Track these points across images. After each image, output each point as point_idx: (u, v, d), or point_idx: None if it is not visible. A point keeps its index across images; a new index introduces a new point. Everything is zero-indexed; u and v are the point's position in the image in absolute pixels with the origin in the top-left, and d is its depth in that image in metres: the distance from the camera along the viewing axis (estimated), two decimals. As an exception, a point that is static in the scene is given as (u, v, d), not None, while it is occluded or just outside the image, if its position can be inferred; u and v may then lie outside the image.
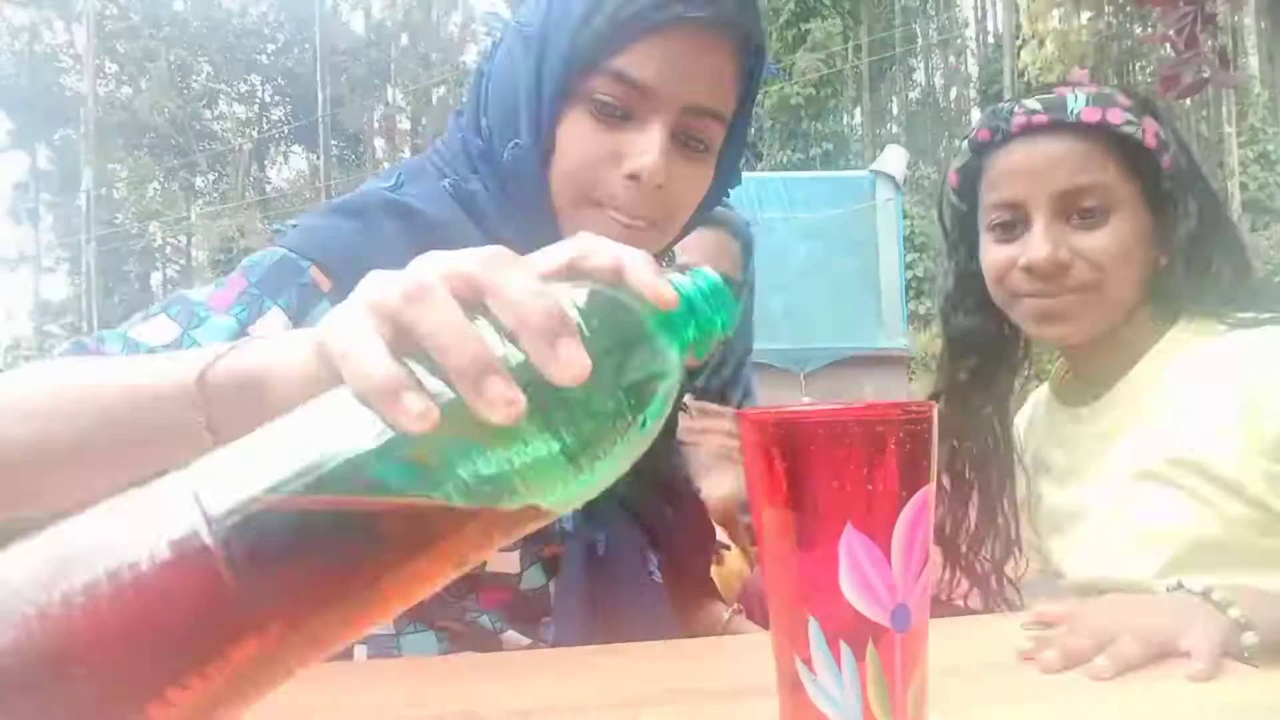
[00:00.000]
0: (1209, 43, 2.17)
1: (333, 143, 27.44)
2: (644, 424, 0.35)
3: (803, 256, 8.59)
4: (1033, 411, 1.11)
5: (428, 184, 0.78)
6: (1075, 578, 0.98)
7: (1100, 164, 0.90)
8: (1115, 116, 0.90)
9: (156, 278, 28.93)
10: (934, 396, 1.05)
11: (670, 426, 0.90)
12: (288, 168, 31.78)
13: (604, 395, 0.34)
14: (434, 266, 0.35)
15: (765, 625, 0.39)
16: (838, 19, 18.10)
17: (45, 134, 26.90)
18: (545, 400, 0.32)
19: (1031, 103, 0.92)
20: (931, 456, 0.37)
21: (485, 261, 0.35)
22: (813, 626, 0.36)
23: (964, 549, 1.02)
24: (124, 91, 26.86)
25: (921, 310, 13.95)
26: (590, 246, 0.39)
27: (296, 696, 0.58)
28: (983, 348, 1.03)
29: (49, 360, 0.63)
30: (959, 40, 27.89)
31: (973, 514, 1.02)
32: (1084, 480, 0.97)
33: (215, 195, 28.63)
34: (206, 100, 28.84)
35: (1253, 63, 15.23)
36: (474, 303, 0.35)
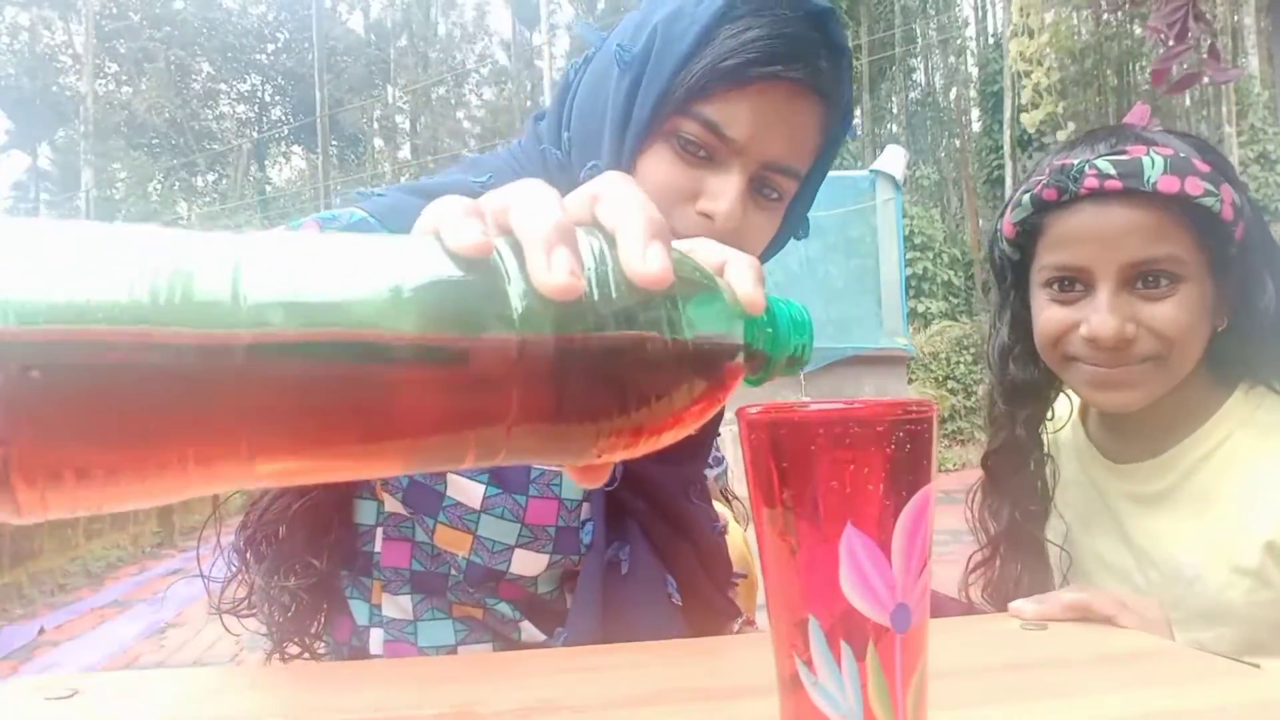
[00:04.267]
0: (1202, 38, 2.17)
1: (332, 143, 27.43)
2: (694, 391, 0.35)
3: (803, 256, 8.59)
4: (1063, 436, 1.05)
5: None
6: None
7: (1174, 235, 0.85)
8: (1194, 187, 0.83)
9: (156, 278, 28.80)
10: (990, 454, 1.01)
11: (697, 451, 0.90)
12: (288, 168, 31.78)
13: (667, 346, 0.33)
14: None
15: None
16: (832, 16, 18.06)
17: (45, 134, 26.87)
18: (611, 336, 0.32)
19: (1104, 165, 0.85)
20: (931, 456, 0.37)
21: (608, 176, 0.36)
22: (813, 626, 0.36)
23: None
24: (124, 91, 26.84)
25: (921, 310, 13.96)
26: (702, 243, 0.40)
27: (298, 695, 0.58)
28: (1036, 397, 0.99)
29: None
30: (959, 40, 27.88)
31: (1021, 569, 0.98)
32: (1126, 539, 0.94)
33: (215, 195, 28.60)
34: (206, 100, 28.82)
35: (1253, 63, 15.23)
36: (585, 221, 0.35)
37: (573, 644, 0.74)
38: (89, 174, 23.09)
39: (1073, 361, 0.90)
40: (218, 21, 28.15)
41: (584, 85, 0.79)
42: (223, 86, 29.22)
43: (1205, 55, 2.22)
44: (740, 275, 0.38)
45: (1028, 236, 0.93)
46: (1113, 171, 0.84)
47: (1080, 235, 0.87)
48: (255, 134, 29.17)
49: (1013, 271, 0.97)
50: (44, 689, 0.54)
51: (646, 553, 0.80)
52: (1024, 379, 0.98)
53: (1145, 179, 0.83)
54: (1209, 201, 0.84)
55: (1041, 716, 0.50)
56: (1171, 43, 2.14)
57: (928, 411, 0.36)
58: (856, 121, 23.35)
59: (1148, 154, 0.85)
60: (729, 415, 0.47)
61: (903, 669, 0.36)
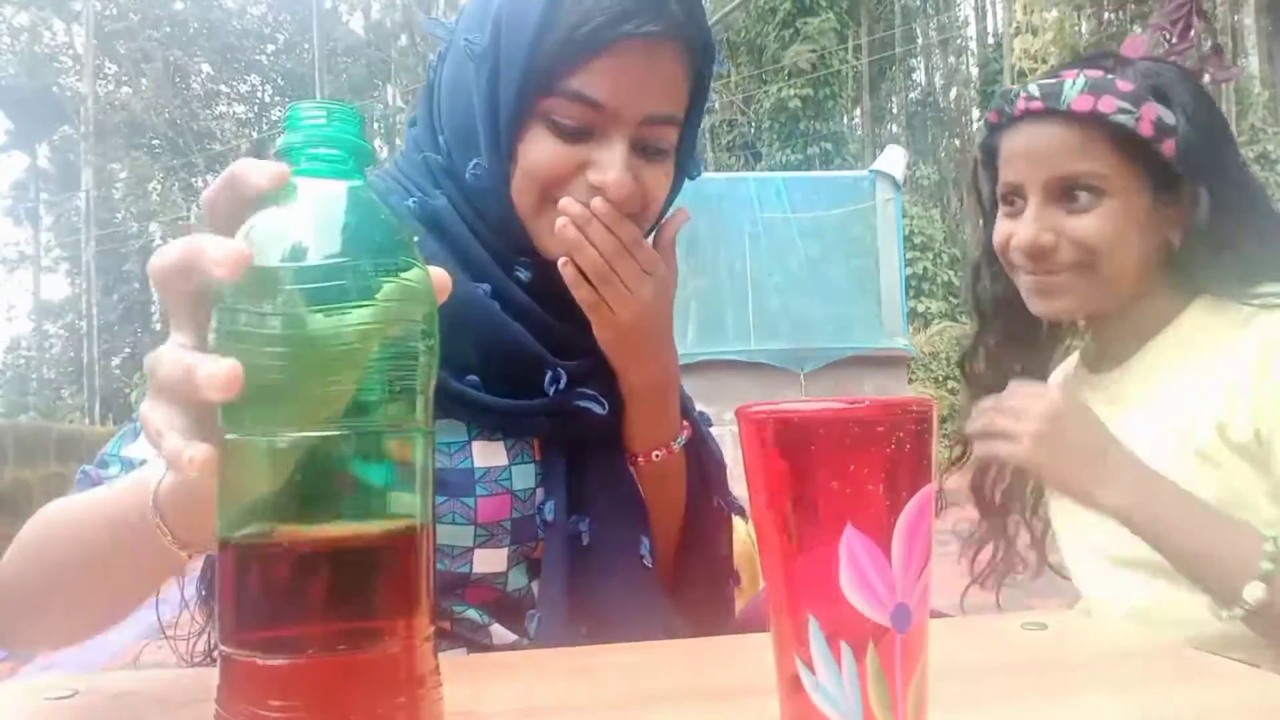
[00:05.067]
0: (1204, 37, 2.17)
1: (332, 143, 27.32)
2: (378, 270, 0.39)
3: (803, 256, 8.58)
4: (1062, 375, 1.14)
5: (396, 203, 0.77)
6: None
7: (1094, 151, 0.91)
8: (1107, 105, 0.89)
9: (156, 278, 28.84)
10: (965, 358, 1.12)
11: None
12: (287, 168, 31.66)
13: (343, 270, 0.38)
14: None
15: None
16: (831, 14, 18.06)
17: (45, 134, 26.85)
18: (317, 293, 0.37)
19: (1032, 88, 0.93)
20: (931, 456, 0.37)
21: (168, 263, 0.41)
22: (813, 626, 0.36)
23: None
24: (123, 91, 26.82)
25: (921, 310, 13.95)
26: (209, 196, 0.43)
27: (296, 697, 0.58)
28: (1007, 313, 1.06)
29: (58, 500, 0.65)
30: (959, 40, 27.85)
31: (997, 467, 1.08)
32: None
33: (215, 195, 28.53)
34: (206, 101, 28.81)
35: (1253, 63, 15.21)
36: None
37: (546, 627, 0.73)
38: (89, 174, 23.08)
39: (1016, 270, 0.99)
40: (217, 22, 28.13)
41: (445, 84, 0.78)
42: (222, 87, 29.20)
43: (1207, 53, 2.22)
44: (253, 179, 0.40)
45: (990, 160, 1.02)
46: (1036, 93, 0.92)
47: (1015, 154, 0.96)
48: (255, 134, 29.15)
49: (987, 194, 1.06)
50: (44, 689, 0.54)
51: (611, 518, 0.79)
52: (991, 293, 1.08)
53: (1061, 99, 0.90)
54: (1123, 119, 0.89)
55: (1041, 716, 0.50)
56: (1175, 40, 2.13)
57: (928, 411, 0.36)
58: (856, 121, 23.37)
59: (1072, 77, 0.91)
60: (728, 415, 0.47)
61: (903, 669, 0.36)
